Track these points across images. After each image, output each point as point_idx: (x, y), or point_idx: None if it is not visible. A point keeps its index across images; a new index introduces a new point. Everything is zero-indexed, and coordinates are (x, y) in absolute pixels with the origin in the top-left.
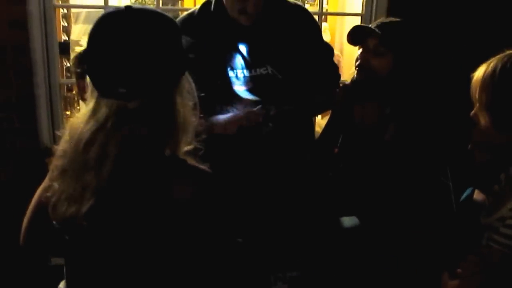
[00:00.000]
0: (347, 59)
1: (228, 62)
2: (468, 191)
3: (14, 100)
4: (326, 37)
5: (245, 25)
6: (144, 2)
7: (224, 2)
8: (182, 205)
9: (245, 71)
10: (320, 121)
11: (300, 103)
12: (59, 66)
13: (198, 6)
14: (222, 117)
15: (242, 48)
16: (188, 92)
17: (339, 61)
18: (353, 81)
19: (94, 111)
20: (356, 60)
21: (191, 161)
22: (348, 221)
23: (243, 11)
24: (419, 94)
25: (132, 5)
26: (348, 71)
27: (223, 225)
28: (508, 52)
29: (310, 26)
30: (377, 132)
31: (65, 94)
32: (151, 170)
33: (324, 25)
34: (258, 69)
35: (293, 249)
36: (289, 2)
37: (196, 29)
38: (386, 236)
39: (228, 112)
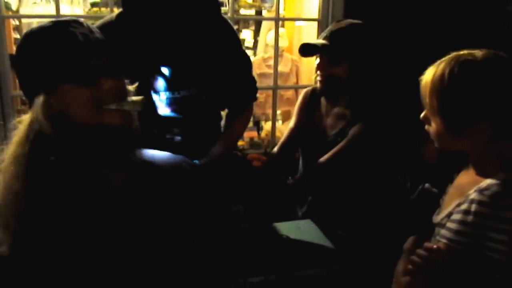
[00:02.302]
0: (306, 64)
1: (151, 85)
2: (419, 188)
3: None
4: (283, 42)
5: (167, 48)
6: (99, 12)
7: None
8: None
9: (167, 93)
10: (281, 127)
11: (228, 140)
12: (12, 78)
13: (114, 13)
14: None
15: (165, 70)
16: None
17: (297, 66)
18: (314, 88)
19: None
20: (316, 70)
21: None
22: (304, 224)
23: None
24: (377, 95)
25: None
26: (307, 76)
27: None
28: (453, 54)
29: (228, 37)
30: (337, 136)
31: (19, 107)
32: None
33: (281, 31)
34: (181, 91)
35: (254, 254)
36: (208, 15)
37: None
38: (344, 237)
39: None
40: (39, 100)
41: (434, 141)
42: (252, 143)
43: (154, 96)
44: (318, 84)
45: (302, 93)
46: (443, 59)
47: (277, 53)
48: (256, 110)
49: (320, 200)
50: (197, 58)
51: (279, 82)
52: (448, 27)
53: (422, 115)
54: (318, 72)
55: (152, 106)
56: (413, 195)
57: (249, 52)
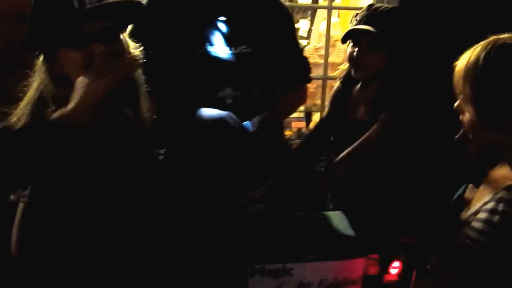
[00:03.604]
0: None
1: (207, 38)
2: (461, 190)
3: None
4: (337, 32)
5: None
6: None
7: None
8: None
9: (223, 48)
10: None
11: (275, 108)
12: None
13: None
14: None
15: (221, 23)
16: None
17: None
18: (347, 77)
19: None
20: (349, 58)
21: None
22: (332, 215)
23: None
24: (415, 86)
25: None
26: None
27: None
28: (491, 38)
29: (284, 18)
30: (369, 123)
31: None
32: None
33: (335, 20)
34: (238, 47)
35: (274, 240)
36: None
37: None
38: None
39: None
40: (41, 61)
41: (466, 133)
42: (299, 133)
43: (211, 50)
44: (352, 72)
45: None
46: (480, 43)
47: (328, 43)
48: (307, 101)
49: (349, 192)
50: (254, 16)
51: (330, 73)
52: (491, 10)
53: (455, 104)
54: (354, 59)
55: (207, 62)
56: (453, 192)
57: (303, 42)
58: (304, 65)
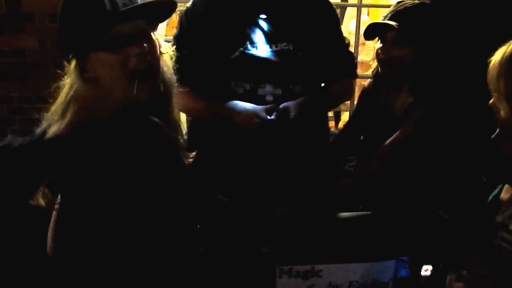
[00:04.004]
0: None
1: (248, 36)
2: (496, 191)
3: None
4: None
5: None
6: None
7: None
8: None
9: (265, 45)
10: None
11: (319, 93)
12: None
13: None
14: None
15: (262, 21)
16: None
17: None
18: (376, 74)
19: None
20: (377, 54)
21: None
22: (362, 216)
23: None
24: (442, 80)
25: None
26: None
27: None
28: None
29: (328, 12)
30: (402, 121)
31: None
32: None
33: (364, 19)
34: (279, 44)
35: (303, 241)
36: None
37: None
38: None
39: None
40: (73, 64)
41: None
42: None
43: (251, 48)
44: (380, 69)
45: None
46: None
47: (358, 41)
48: None
49: (380, 192)
50: (295, 12)
51: (360, 71)
52: None
53: (490, 102)
54: (381, 56)
55: (247, 60)
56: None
57: None
58: (350, 60)
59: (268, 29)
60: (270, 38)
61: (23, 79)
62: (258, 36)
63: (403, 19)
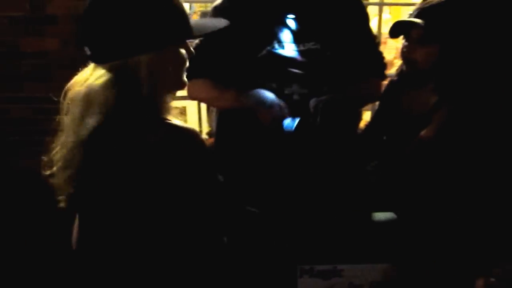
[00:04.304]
0: None
1: (275, 36)
2: None
3: None
4: (388, 29)
5: None
6: None
7: None
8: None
9: (292, 45)
10: (364, 116)
11: (346, 90)
12: None
13: None
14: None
15: (291, 20)
16: None
17: None
18: (400, 73)
19: None
20: (402, 53)
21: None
22: (384, 216)
23: None
24: (473, 81)
25: None
26: None
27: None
28: None
29: (359, 10)
30: (425, 121)
31: None
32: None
33: (386, 17)
34: (306, 44)
35: (324, 242)
36: None
37: None
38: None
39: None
40: (143, 59)
41: None
42: None
43: (278, 48)
44: (404, 67)
45: (389, 80)
46: None
47: (380, 40)
48: None
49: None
50: (325, 11)
51: None
52: None
53: None
54: (406, 54)
55: (274, 59)
56: None
57: None
58: (379, 60)
59: (296, 29)
60: (297, 37)
61: (46, 80)
62: (285, 36)
63: (429, 17)
